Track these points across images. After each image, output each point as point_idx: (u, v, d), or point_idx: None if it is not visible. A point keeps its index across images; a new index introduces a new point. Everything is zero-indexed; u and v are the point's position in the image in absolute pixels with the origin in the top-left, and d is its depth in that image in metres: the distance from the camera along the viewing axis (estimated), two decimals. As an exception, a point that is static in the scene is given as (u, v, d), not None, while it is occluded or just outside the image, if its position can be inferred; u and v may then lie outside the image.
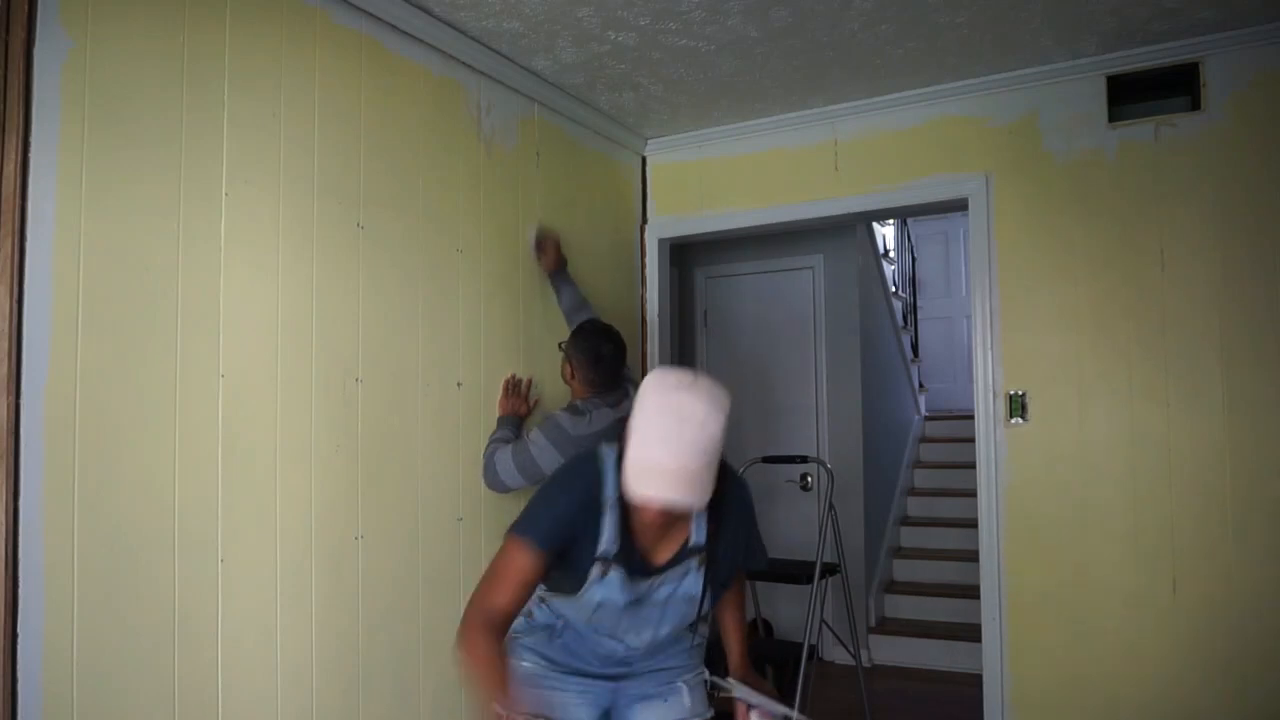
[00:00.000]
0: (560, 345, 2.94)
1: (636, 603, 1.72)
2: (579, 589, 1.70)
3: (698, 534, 1.73)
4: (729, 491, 1.70)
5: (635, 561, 1.70)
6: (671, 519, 1.65)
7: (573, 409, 2.74)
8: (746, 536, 1.85)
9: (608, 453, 1.69)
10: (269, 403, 2.19)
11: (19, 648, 1.66)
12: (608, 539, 1.66)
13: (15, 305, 1.69)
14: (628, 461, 1.52)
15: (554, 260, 3.17)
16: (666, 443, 1.47)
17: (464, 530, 2.80)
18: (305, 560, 2.26)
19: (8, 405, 1.66)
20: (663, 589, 1.74)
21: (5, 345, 1.67)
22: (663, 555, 1.73)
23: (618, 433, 1.64)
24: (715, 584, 1.77)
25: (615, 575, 1.68)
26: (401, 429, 2.59)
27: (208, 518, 2.02)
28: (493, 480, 2.78)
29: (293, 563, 2.23)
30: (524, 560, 1.63)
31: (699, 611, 1.77)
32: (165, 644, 1.92)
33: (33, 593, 1.69)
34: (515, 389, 3.01)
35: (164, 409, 1.95)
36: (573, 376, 2.84)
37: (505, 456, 2.73)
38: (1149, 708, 2.96)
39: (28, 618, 1.68)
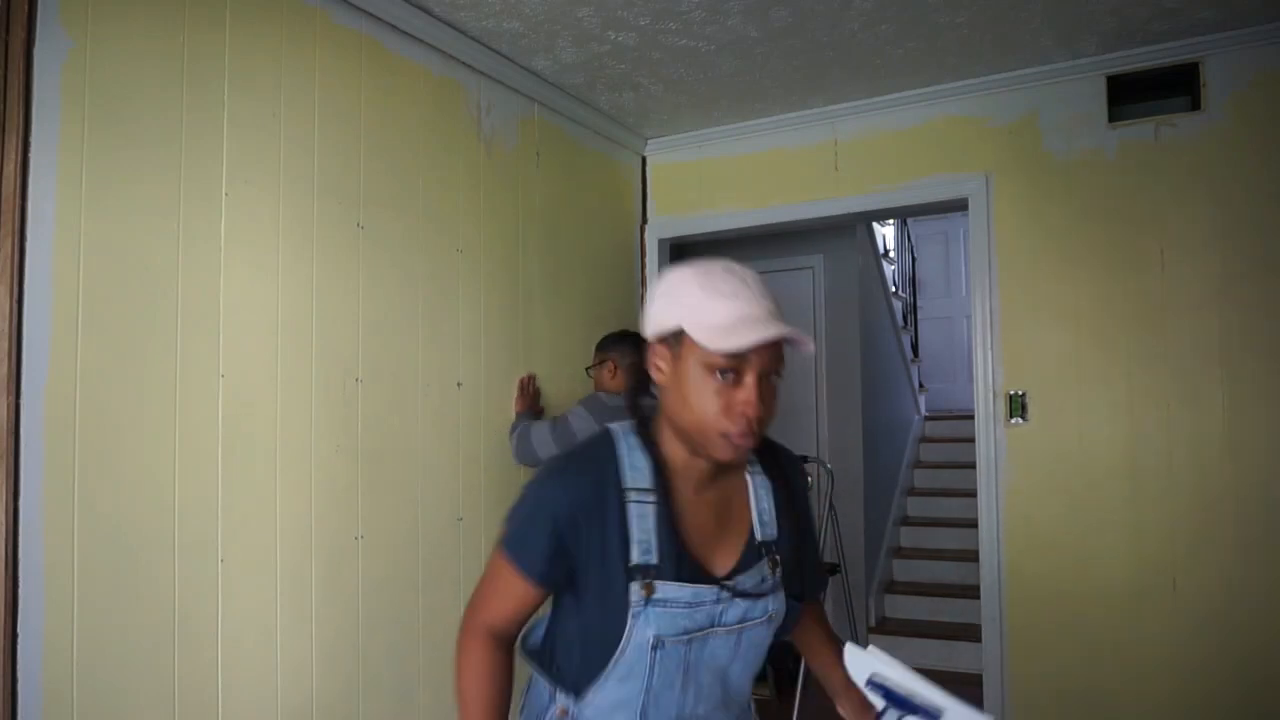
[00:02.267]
0: (588, 370, 3.01)
1: (701, 639, 1.22)
2: (615, 638, 1.18)
3: (762, 525, 1.29)
4: (785, 464, 1.36)
5: (687, 571, 1.21)
6: (727, 499, 1.29)
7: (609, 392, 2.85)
8: (808, 531, 1.39)
9: (621, 430, 1.27)
10: (269, 403, 2.19)
11: (19, 648, 1.66)
12: (643, 543, 1.18)
13: (15, 305, 1.69)
14: (700, 330, 1.14)
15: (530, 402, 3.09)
16: (738, 296, 1.14)
17: (464, 530, 2.80)
18: (305, 560, 2.26)
19: (8, 405, 1.66)
20: (731, 610, 1.23)
21: (5, 345, 1.67)
22: (723, 559, 1.26)
23: (630, 403, 1.32)
24: (791, 593, 1.33)
25: (670, 593, 1.18)
26: (401, 429, 2.59)
27: (208, 518, 2.02)
28: (526, 452, 2.82)
29: (293, 563, 2.23)
30: (517, 588, 1.24)
31: (774, 639, 1.32)
32: (165, 644, 1.92)
33: (33, 593, 1.69)
34: (526, 388, 3.07)
35: (164, 409, 1.95)
36: (613, 375, 2.87)
37: (542, 429, 2.78)
38: (1149, 707, 2.96)
39: (28, 618, 1.68)
